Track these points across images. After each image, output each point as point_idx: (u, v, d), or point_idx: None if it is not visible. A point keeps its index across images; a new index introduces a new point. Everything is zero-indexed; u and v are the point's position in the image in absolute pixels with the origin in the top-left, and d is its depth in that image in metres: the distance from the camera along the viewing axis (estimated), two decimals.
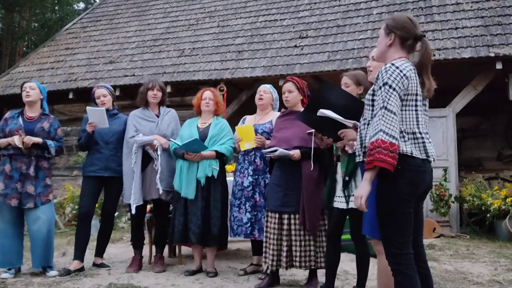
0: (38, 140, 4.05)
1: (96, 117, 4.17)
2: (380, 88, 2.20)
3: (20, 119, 4.14)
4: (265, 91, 4.22)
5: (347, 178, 3.12)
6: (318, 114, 2.80)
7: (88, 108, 4.21)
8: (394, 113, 2.15)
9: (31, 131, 4.08)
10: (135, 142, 4.18)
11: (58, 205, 7.54)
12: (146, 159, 4.26)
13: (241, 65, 8.28)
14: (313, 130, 3.33)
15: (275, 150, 3.54)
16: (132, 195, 4.16)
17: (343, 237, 3.36)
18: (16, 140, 3.95)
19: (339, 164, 3.24)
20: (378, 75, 2.26)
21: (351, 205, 3.10)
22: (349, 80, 3.31)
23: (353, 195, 3.09)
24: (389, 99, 2.16)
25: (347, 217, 3.28)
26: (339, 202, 3.19)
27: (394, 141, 2.11)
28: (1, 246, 4.01)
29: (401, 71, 2.20)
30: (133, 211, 4.17)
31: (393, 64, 2.23)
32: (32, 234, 4.06)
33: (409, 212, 2.21)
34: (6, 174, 4.00)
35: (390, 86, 2.17)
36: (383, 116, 2.14)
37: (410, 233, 2.23)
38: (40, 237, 4.04)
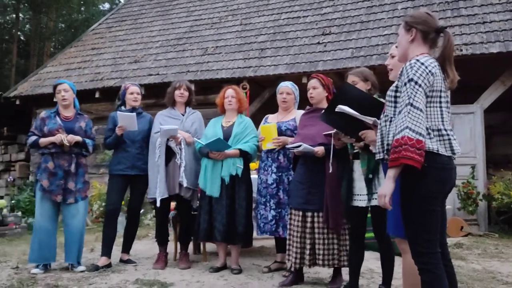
0: (79, 138, 4.20)
1: (126, 121, 4.27)
2: (405, 84, 2.17)
3: (58, 119, 4.26)
4: (288, 92, 4.20)
5: (370, 176, 3.08)
6: (336, 110, 2.77)
7: (118, 113, 4.31)
8: (421, 110, 2.11)
9: (71, 130, 4.21)
10: (160, 130, 4.20)
11: None
12: (169, 155, 4.30)
13: (264, 62, 8.28)
14: (331, 132, 3.31)
15: (299, 146, 3.54)
16: (158, 188, 4.22)
17: (367, 235, 3.33)
18: (63, 137, 4.09)
19: (356, 162, 3.21)
20: (402, 71, 2.23)
21: (373, 202, 3.08)
22: (356, 78, 3.28)
23: (376, 193, 3.08)
24: (415, 96, 2.12)
25: (369, 215, 3.25)
26: (359, 201, 3.17)
27: (420, 138, 2.08)
28: (38, 242, 4.12)
29: (426, 67, 2.17)
30: (158, 204, 4.23)
31: (418, 60, 2.20)
32: (71, 228, 4.20)
33: (436, 210, 2.18)
34: (50, 172, 4.13)
35: (416, 83, 2.14)
36: (409, 113, 2.11)
37: (437, 231, 2.20)
38: (77, 232, 4.21)
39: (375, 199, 3.07)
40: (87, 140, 4.28)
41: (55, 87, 4.38)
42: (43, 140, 4.18)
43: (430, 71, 2.17)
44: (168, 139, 4.27)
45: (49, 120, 4.25)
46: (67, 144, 4.11)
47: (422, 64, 2.18)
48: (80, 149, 4.26)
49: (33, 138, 4.23)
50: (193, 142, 4.30)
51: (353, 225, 3.28)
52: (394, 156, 2.10)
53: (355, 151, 3.19)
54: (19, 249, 5.49)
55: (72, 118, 4.33)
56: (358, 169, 3.19)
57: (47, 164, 4.15)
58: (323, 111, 3.11)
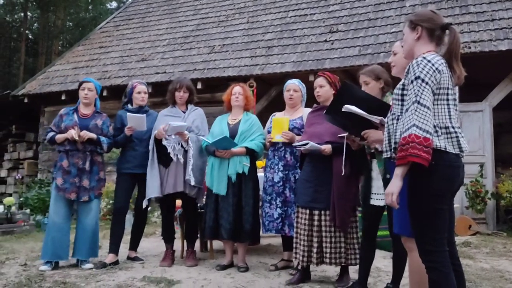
0: (93, 135, 4.22)
1: (135, 122, 4.28)
2: (412, 82, 2.16)
3: (75, 116, 4.30)
4: (295, 89, 4.19)
5: (388, 176, 3.06)
6: (343, 110, 2.77)
7: (128, 114, 4.32)
8: (428, 107, 2.10)
9: (86, 128, 4.25)
10: (168, 126, 4.17)
11: None
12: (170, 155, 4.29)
13: (270, 60, 8.27)
14: (344, 134, 3.29)
15: (306, 144, 3.53)
16: (148, 186, 4.23)
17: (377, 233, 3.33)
18: (73, 133, 4.13)
19: (374, 161, 3.20)
20: (409, 69, 2.22)
21: None
22: (368, 78, 3.26)
23: None
24: (422, 93, 2.11)
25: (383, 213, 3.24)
26: (376, 200, 3.17)
27: (428, 135, 2.07)
28: (52, 239, 4.16)
29: (433, 64, 2.16)
30: (144, 205, 4.30)
31: (424, 58, 2.19)
32: (84, 226, 4.26)
33: (444, 209, 2.17)
34: (64, 169, 4.19)
35: (423, 80, 2.13)
36: (416, 110, 2.10)
37: (445, 230, 2.19)
38: (91, 229, 4.28)
39: None
40: (102, 138, 4.30)
41: (81, 83, 4.41)
42: (58, 136, 4.24)
43: (436, 68, 2.16)
44: (160, 140, 4.25)
45: (67, 117, 4.30)
46: (78, 139, 4.14)
47: (429, 61, 2.17)
48: (95, 147, 4.30)
49: (51, 134, 4.30)
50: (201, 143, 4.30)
51: (368, 224, 3.28)
52: (401, 154, 2.09)
53: (372, 150, 3.18)
54: (27, 246, 5.53)
55: (89, 116, 4.36)
56: (375, 168, 3.19)
57: (62, 162, 4.21)
58: (325, 110, 3.08)
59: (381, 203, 3.15)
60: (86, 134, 4.19)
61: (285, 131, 3.99)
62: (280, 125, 4.03)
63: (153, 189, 4.23)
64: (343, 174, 3.42)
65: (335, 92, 3.75)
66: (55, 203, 4.22)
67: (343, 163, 3.41)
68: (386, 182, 3.06)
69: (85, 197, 4.22)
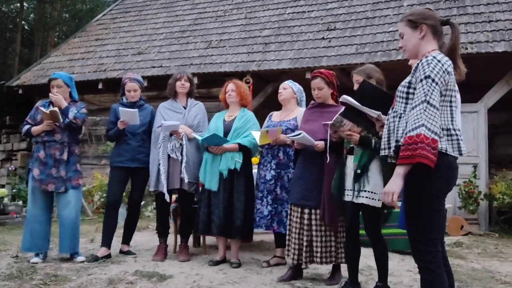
0: (61, 101, 4.17)
1: (128, 116, 4.28)
2: (421, 81, 2.11)
3: (52, 108, 4.23)
4: (284, 87, 4.22)
5: (359, 171, 3.09)
6: (340, 100, 2.75)
7: (120, 109, 4.32)
8: (437, 108, 2.07)
9: (66, 117, 4.18)
10: (161, 126, 4.22)
11: (87, 193, 7.71)
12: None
13: (267, 57, 8.25)
14: (329, 122, 3.28)
15: (300, 134, 3.52)
16: (163, 181, 4.23)
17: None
18: (45, 111, 4.07)
19: (349, 157, 3.23)
20: (417, 67, 2.18)
21: (361, 200, 3.10)
22: (359, 76, 3.27)
23: (364, 191, 3.09)
24: (431, 93, 2.08)
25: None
26: (348, 196, 3.18)
27: (436, 137, 2.04)
28: (30, 230, 4.15)
29: (442, 65, 2.13)
30: (167, 198, 4.25)
31: (434, 57, 2.15)
32: (63, 219, 4.21)
33: (440, 209, 2.17)
34: (40, 161, 4.16)
35: (433, 80, 2.09)
36: (425, 110, 2.05)
37: (440, 230, 2.19)
38: (69, 222, 4.20)
39: (363, 196, 3.09)
40: (71, 108, 4.21)
41: (49, 80, 4.33)
42: (34, 129, 4.21)
43: (446, 69, 2.14)
44: (171, 135, 4.27)
45: (43, 108, 4.23)
46: (48, 112, 4.06)
47: (439, 61, 2.14)
48: (73, 137, 4.26)
49: (26, 127, 4.29)
50: (193, 138, 4.30)
51: (347, 224, 3.30)
52: (408, 153, 2.04)
53: (350, 145, 3.20)
54: (19, 238, 5.47)
55: (65, 107, 4.28)
56: (350, 164, 3.21)
57: (38, 153, 4.19)
58: (341, 112, 3.02)
59: (349, 198, 3.17)
60: (57, 104, 4.12)
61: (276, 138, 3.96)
62: (266, 136, 3.97)
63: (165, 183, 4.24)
64: (327, 161, 3.43)
65: (333, 91, 3.74)
66: (32, 195, 4.20)
67: (327, 150, 3.42)
68: (356, 177, 3.09)
69: (62, 188, 4.17)
